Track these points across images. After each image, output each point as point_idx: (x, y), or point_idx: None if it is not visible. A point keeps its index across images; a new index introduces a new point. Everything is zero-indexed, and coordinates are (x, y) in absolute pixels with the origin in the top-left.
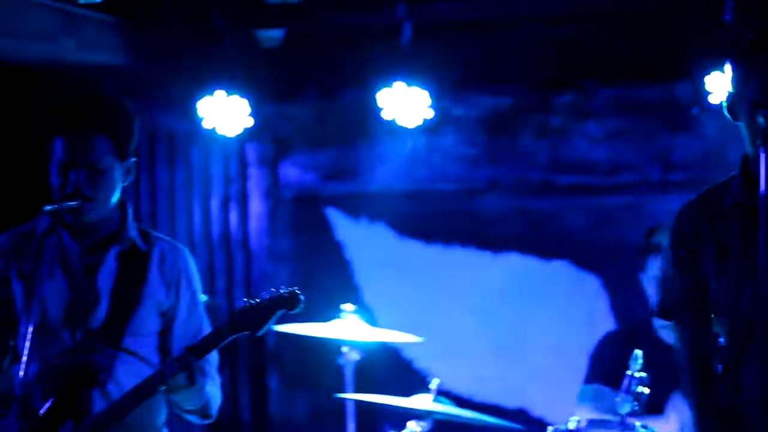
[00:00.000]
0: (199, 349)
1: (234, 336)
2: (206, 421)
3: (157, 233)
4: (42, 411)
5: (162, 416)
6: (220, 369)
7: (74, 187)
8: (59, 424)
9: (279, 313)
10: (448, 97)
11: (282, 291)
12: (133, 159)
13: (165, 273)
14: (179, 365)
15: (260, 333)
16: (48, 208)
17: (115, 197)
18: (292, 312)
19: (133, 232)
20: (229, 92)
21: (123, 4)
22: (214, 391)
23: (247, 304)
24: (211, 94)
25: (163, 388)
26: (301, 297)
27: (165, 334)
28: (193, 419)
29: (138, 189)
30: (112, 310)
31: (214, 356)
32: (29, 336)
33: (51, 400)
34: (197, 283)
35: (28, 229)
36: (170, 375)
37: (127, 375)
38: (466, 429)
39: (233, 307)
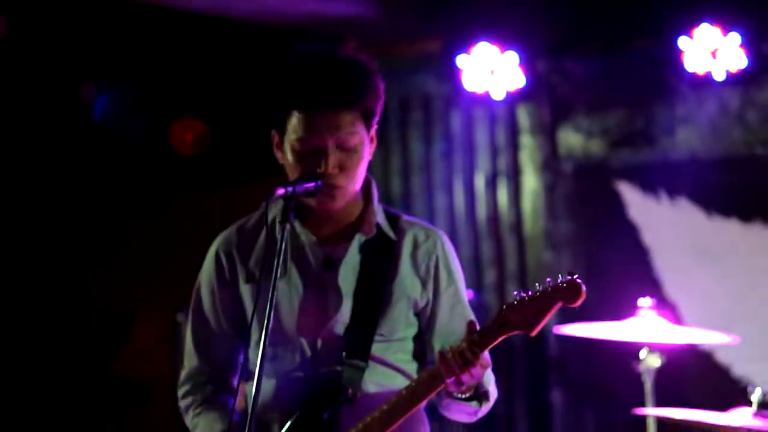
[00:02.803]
0: (483, 339)
1: (503, 337)
2: (484, 407)
3: (408, 217)
4: None
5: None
6: None
7: (324, 173)
8: None
9: (556, 307)
10: None
11: (558, 280)
12: (376, 126)
13: (419, 265)
14: (464, 359)
15: (534, 333)
16: (282, 190)
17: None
18: (571, 306)
19: (379, 217)
20: (497, 44)
21: None
22: (491, 377)
23: (518, 298)
24: (472, 47)
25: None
26: (583, 287)
27: (422, 338)
28: (468, 410)
29: (388, 165)
30: (357, 312)
31: None
32: (262, 347)
33: (290, 422)
34: (459, 276)
35: (257, 218)
36: (461, 369)
37: (379, 388)
38: None
39: (503, 302)
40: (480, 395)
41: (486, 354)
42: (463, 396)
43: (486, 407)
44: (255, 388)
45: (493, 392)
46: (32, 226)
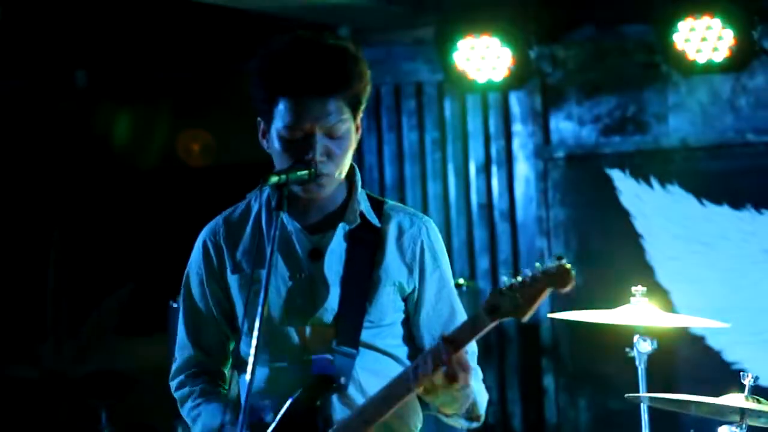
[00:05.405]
0: (457, 339)
1: (493, 322)
2: (474, 425)
3: (393, 203)
4: (273, 425)
5: (416, 423)
6: (486, 367)
7: (311, 160)
8: None
9: (546, 292)
10: (759, 27)
11: (548, 264)
12: (361, 115)
13: (404, 251)
14: (433, 360)
15: (525, 318)
16: (275, 178)
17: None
18: (562, 290)
19: (362, 204)
20: (489, 32)
21: None
22: (479, 386)
23: (507, 284)
24: (465, 34)
25: (416, 390)
26: (572, 271)
27: (411, 324)
28: (459, 423)
29: (381, 152)
30: (344, 300)
31: (472, 347)
32: (255, 337)
33: (282, 411)
34: (445, 260)
35: (242, 209)
36: (424, 373)
37: (371, 375)
38: None
39: (492, 288)
40: (472, 416)
41: (463, 354)
42: (448, 414)
43: (476, 424)
44: (248, 377)
45: (482, 405)
46: (25, 221)
